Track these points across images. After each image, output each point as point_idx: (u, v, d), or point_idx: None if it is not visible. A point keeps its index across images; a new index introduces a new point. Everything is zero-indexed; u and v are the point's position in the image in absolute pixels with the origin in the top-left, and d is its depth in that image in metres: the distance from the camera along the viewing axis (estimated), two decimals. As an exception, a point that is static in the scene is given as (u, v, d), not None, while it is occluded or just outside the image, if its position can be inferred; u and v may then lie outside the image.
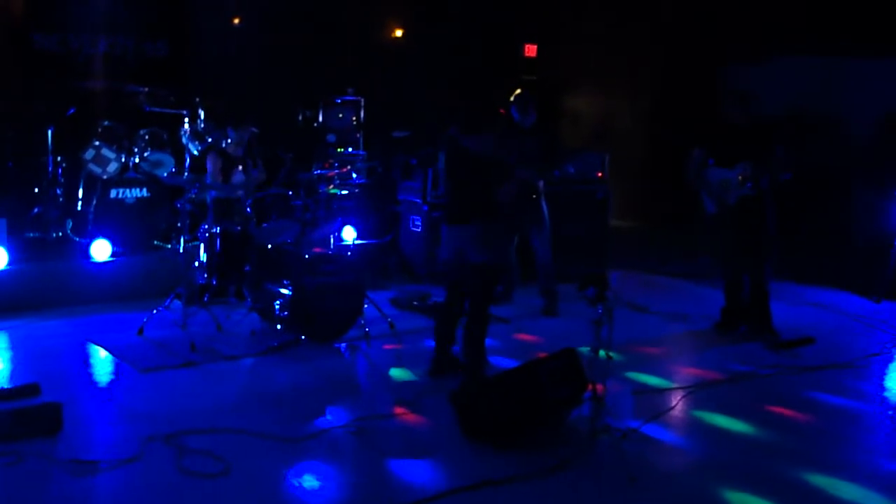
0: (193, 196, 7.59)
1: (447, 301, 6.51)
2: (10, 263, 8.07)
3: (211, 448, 4.88)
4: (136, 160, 9.29)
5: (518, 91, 8.52)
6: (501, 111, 6.62)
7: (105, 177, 9.03)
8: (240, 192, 8.13)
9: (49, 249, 8.85)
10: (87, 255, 8.57)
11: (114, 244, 8.68)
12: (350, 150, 11.37)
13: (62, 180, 9.30)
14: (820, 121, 11.40)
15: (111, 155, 9.09)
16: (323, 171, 8.52)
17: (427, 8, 13.08)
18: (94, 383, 6.10)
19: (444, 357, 6.45)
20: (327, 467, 4.78)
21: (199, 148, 9.28)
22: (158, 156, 9.33)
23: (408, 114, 11.75)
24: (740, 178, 7.40)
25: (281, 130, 10.81)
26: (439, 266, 9.06)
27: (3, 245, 8.06)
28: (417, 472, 4.76)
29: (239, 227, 7.55)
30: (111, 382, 6.13)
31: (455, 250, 6.27)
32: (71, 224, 9.12)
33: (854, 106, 11.33)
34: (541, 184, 8.43)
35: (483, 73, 12.59)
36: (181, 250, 7.51)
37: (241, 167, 8.38)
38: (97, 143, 9.03)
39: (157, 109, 9.57)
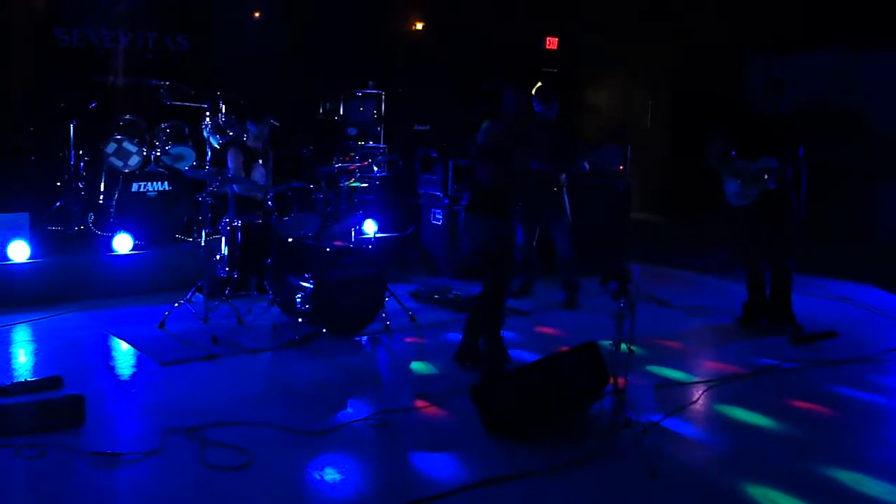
0: (215, 189, 7.62)
1: (480, 292, 6.61)
2: (32, 257, 8.14)
3: (233, 441, 4.88)
4: (158, 154, 9.34)
5: (540, 83, 8.46)
6: (514, 103, 6.58)
7: (126, 170, 9.08)
8: (259, 194, 8.17)
9: (71, 243, 8.91)
10: (109, 249, 8.62)
11: (135, 237, 8.74)
12: (371, 143, 11.40)
13: (84, 174, 9.37)
14: (843, 115, 11.32)
15: (133, 149, 9.14)
16: (344, 165, 8.52)
17: (448, 1, 13.05)
18: (116, 376, 6.12)
19: (468, 346, 6.52)
20: (349, 460, 4.77)
21: (221, 141, 9.32)
22: (180, 149, 9.37)
23: (428, 107, 11.75)
24: (765, 174, 7.35)
25: (302, 124, 10.84)
26: (461, 259, 9.13)
27: (25, 239, 8.12)
28: (439, 466, 4.75)
29: (260, 221, 7.56)
30: (133, 375, 6.16)
31: (469, 238, 6.62)
32: (93, 217, 9.17)
33: (877, 100, 11.24)
34: (562, 177, 8.40)
35: (497, 66, 12.56)
36: (202, 243, 7.53)
37: (260, 161, 8.38)
38: (119, 136, 9.09)
39: (178, 103, 9.61)
